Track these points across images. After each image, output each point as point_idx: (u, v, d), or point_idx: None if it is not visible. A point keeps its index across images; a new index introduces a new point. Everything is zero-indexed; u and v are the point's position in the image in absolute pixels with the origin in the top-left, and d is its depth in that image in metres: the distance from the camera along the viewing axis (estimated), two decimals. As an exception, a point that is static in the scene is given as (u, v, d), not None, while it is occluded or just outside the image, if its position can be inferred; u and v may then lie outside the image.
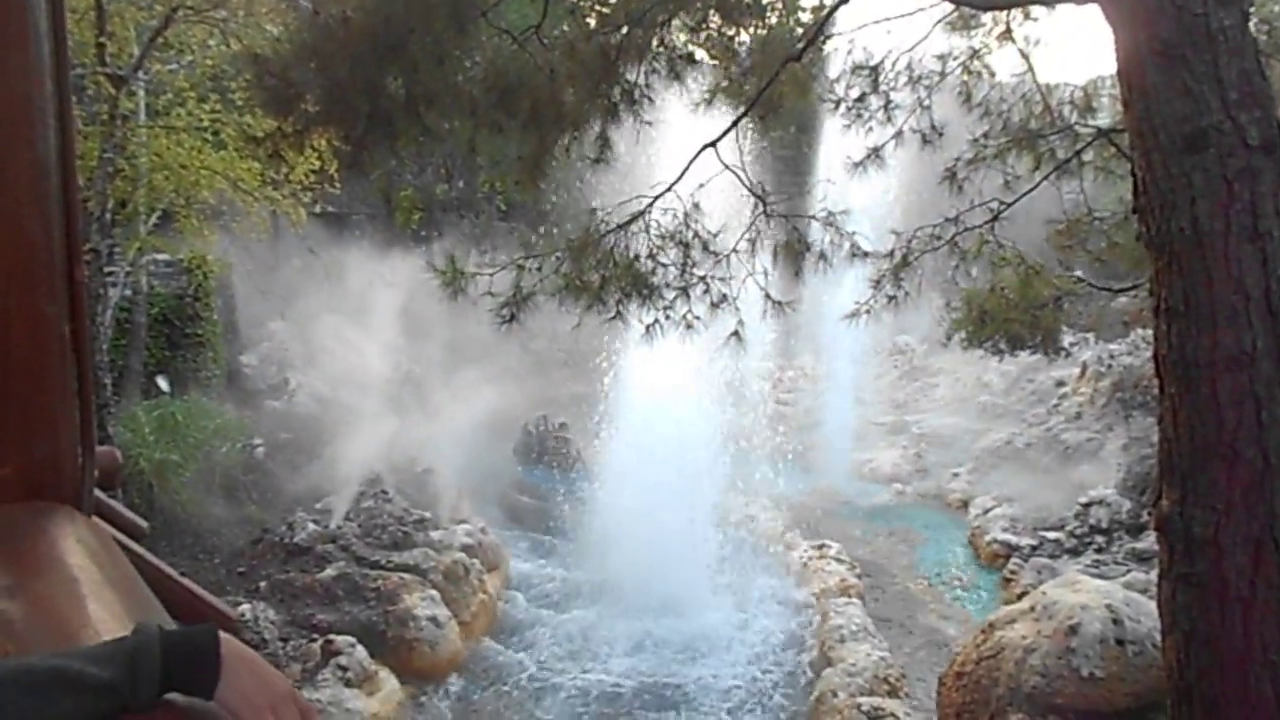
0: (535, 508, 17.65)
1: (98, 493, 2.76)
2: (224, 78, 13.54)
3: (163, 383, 16.57)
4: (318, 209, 18.44)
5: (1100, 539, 15.34)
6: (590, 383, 19.67)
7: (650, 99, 6.13)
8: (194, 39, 13.44)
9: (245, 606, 11.51)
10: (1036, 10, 8.31)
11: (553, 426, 20.49)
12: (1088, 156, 8.01)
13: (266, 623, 11.47)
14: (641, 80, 6.09)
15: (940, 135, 8.28)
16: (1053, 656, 9.59)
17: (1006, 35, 8.58)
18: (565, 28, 6.32)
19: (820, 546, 15.88)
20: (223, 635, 1.02)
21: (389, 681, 11.38)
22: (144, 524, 3.08)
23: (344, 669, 10.95)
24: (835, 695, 10.89)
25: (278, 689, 1.02)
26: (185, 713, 0.99)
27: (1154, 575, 4.57)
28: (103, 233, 12.56)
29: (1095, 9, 4.51)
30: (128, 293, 16.25)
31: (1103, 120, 8.24)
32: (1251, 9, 4.50)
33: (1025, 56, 8.80)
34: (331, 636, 11.36)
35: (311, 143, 6.45)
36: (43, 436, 1.61)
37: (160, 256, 17.33)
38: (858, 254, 7.51)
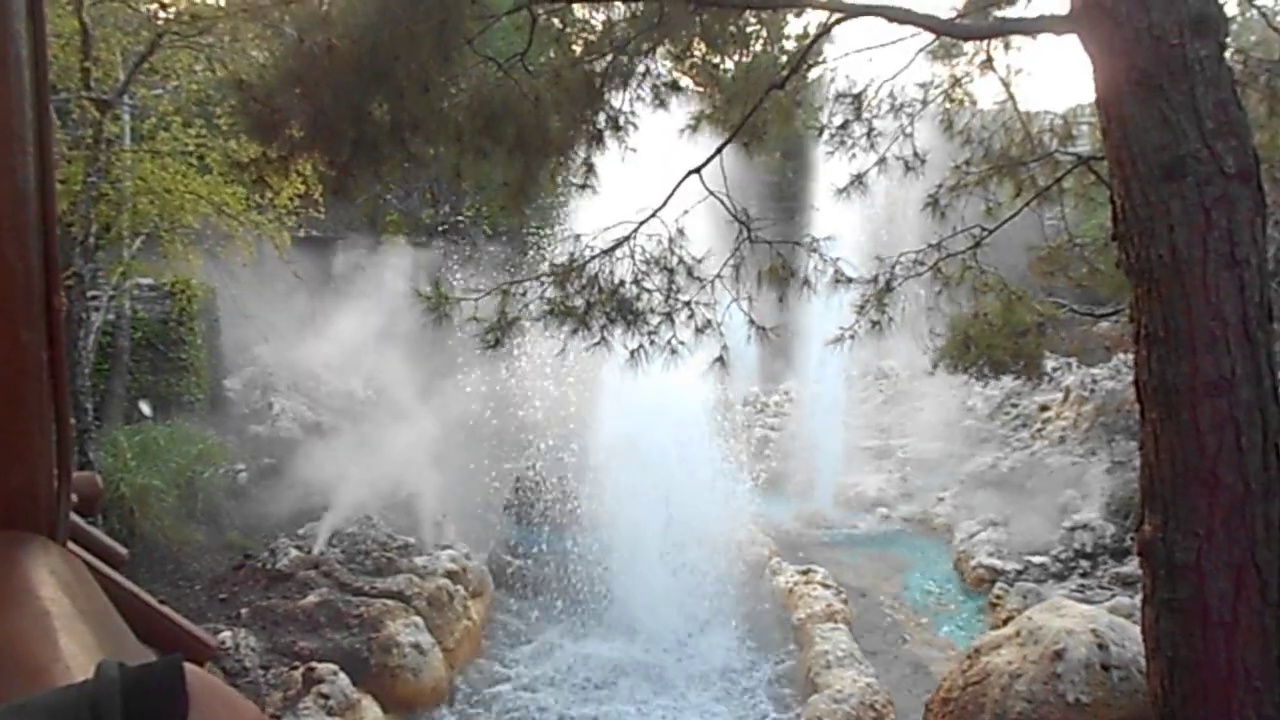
0: (533, 574, 15.95)
1: (76, 519, 2.73)
2: (209, 103, 13.55)
3: (145, 407, 16.45)
4: (302, 233, 18.40)
5: (1085, 563, 15.37)
6: (577, 404, 19.66)
7: (635, 125, 6.17)
8: (179, 64, 13.45)
9: (226, 634, 11.38)
10: (1017, 40, 8.42)
11: (547, 482, 18.39)
12: (1068, 184, 8.09)
13: (247, 650, 11.34)
14: (626, 107, 6.13)
15: (923, 162, 8.35)
16: (1039, 682, 9.57)
17: (988, 64, 8.69)
18: (550, 55, 6.36)
19: (806, 571, 15.83)
20: (189, 666, 1.00)
21: (371, 710, 11.24)
22: (124, 551, 3.05)
23: (326, 697, 10.81)
24: (821, 722, 10.82)
25: (248, 717, 1.00)
26: None
27: (1139, 599, 4.58)
28: (86, 257, 12.49)
29: (1075, 39, 4.58)
30: (111, 317, 16.17)
31: (1082, 148, 8.34)
32: (1227, 40, 4.58)
33: (1006, 85, 8.91)
34: (313, 664, 11.22)
35: (296, 168, 6.46)
36: (18, 465, 1.59)
37: (144, 281, 17.26)
38: (841, 280, 7.55)
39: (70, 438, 1.73)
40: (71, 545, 1.96)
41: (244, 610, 12.46)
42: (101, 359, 15.77)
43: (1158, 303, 4.19)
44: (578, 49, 6.12)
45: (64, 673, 1.10)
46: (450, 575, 14.31)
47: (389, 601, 12.93)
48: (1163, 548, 4.23)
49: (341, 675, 11.15)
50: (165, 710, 0.98)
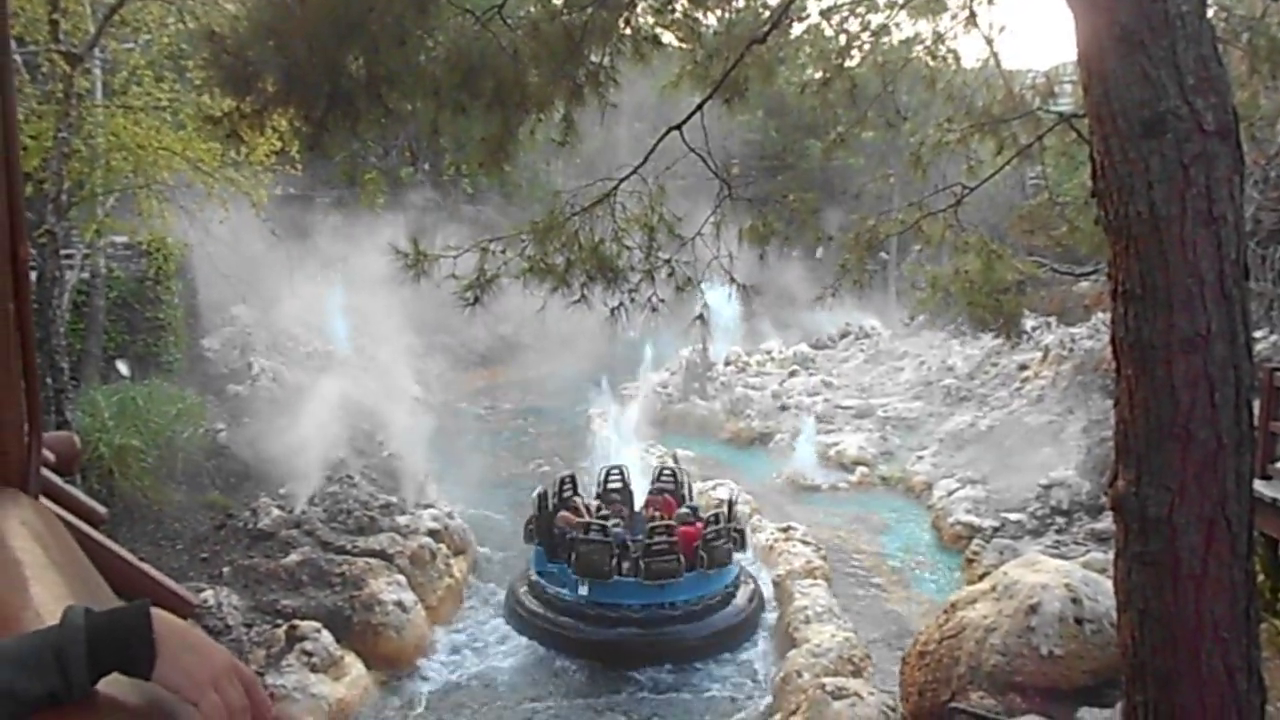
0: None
1: (54, 478, 2.72)
2: (182, 57, 13.29)
3: (122, 367, 16.32)
4: (279, 190, 18.18)
5: (1061, 520, 15.58)
6: (558, 362, 19.67)
7: (615, 81, 6.09)
8: (150, 16, 13.15)
9: (208, 592, 11.41)
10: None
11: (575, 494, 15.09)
12: (1049, 142, 8.07)
13: (230, 608, 11.38)
14: (606, 62, 6.05)
15: (905, 120, 8.32)
16: (1013, 635, 9.74)
17: (971, 20, 8.61)
18: (529, 8, 6.26)
19: (786, 529, 15.99)
20: (156, 612, 1.00)
21: (355, 666, 11.34)
22: (103, 510, 3.04)
23: (309, 654, 10.89)
24: (800, 675, 10.99)
25: (218, 662, 1.00)
26: (121, 698, 0.97)
27: (1112, 555, 4.64)
28: (58, 214, 12.30)
29: (1057, -6, 4.54)
30: (85, 276, 15.97)
31: (1064, 106, 8.32)
32: (1209, -5, 4.55)
33: (989, 41, 8.85)
34: (296, 622, 11.29)
35: (271, 123, 6.36)
36: (-14, 418, 1.58)
37: (119, 239, 17.04)
38: (822, 238, 7.53)
39: (39, 390, 1.71)
40: (48, 502, 1.95)
41: (226, 569, 12.49)
42: (77, 319, 15.60)
43: (1135, 259, 4.19)
44: (557, 1, 6.03)
45: (34, 620, 1.10)
46: (432, 534, 14.37)
47: (371, 560, 13.00)
48: (1136, 502, 4.28)
49: (325, 633, 11.22)
50: (131, 655, 0.97)
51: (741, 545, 14.06)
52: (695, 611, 12.81)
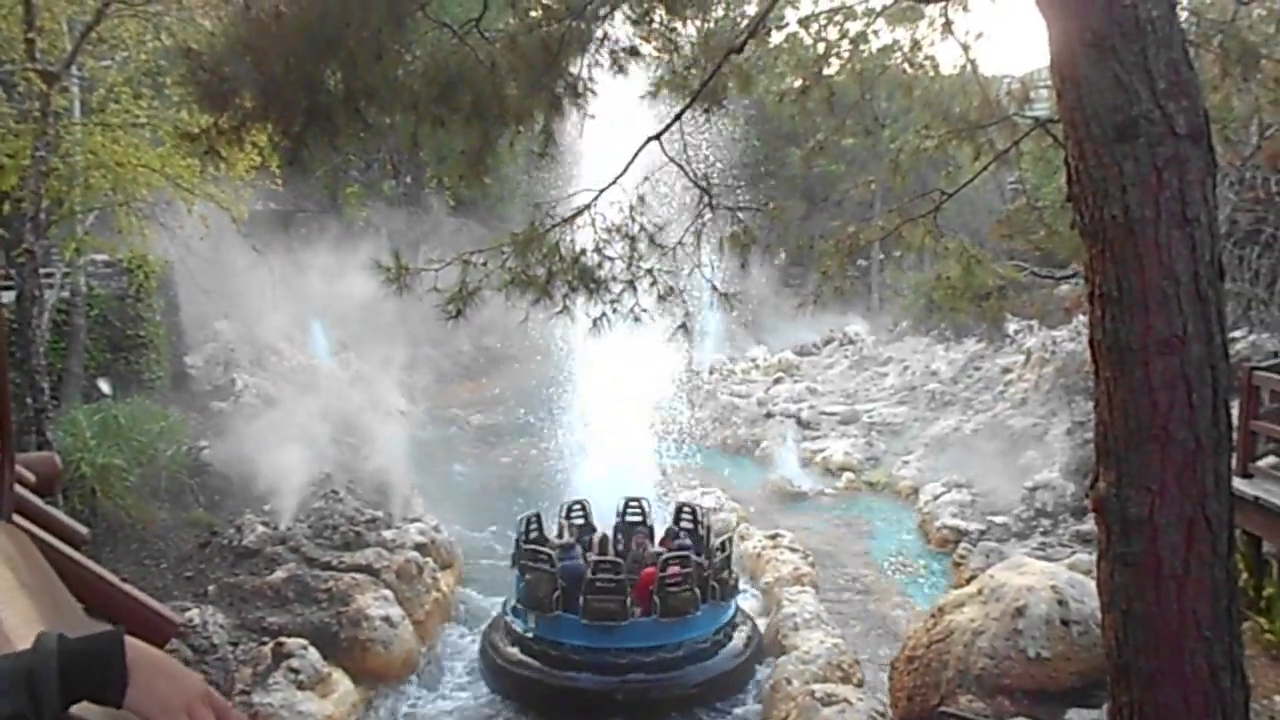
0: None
1: (34, 499, 2.70)
2: (160, 73, 13.25)
3: (104, 385, 16.20)
4: (260, 206, 18.13)
5: (1046, 522, 15.66)
6: (543, 374, 19.64)
7: (594, 92, 6.10)
8: (127, 34, 13.11)
9: (193, 611, 11.31)
10: (978, 4, 8.43)
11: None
12: (1026, 146, 8.14)
13: (215, 627, 11.28)
14: (584, 73, 6.06)
15: (883, 127, 8.37)
16: (1000, 638, 9.77)
17: (948, 28, 8.68)
18: (507, 20, 6.26)
19: (774, 536, 16.00)
20: (132, 641, 0.99)
21: (342, 683, 11.26)
22: (84, 530, 3.02)
23: (296, 671, 10.81)
24: (790, 683, 10.99)
25: (191, 689, 1.00)
26: None
27: (1096, 556, 4.67)
28: (37, 233, 12.22)
29: (1030, 1, 4.58)
30: (65, 294, 15.87)
31: (1041, 110, 8.38)
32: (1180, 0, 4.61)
33: (966, 49, 8.92)
34: (282, 639, 11.21)
35: (250, 138, 6.34)
36: (-44, 441, 1.56)
37: (99, 257, 16.94)
38: (804, 245, 7.55)
39: (9, 413, 1.70)
40: (25, 523, 1.93)
41: (211, 587, 12.40)
42: (57, 337, 15.49)
43: (1111, 262, 4.23)
44: (535, 14, 6.03)
45: (3, 644, 1.09)
46: (419, 547, 14.31)
47: (358, 575, 12.93)
48: (1117, 503, 4.31)
49: (311, 649, 11.15)
50: (103, 682, 0.97)
51: (722, 595, 12.07)
52: (667, 660, 11.39)
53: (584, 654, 11.38)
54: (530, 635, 11.65)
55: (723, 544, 12.65)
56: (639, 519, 13.84)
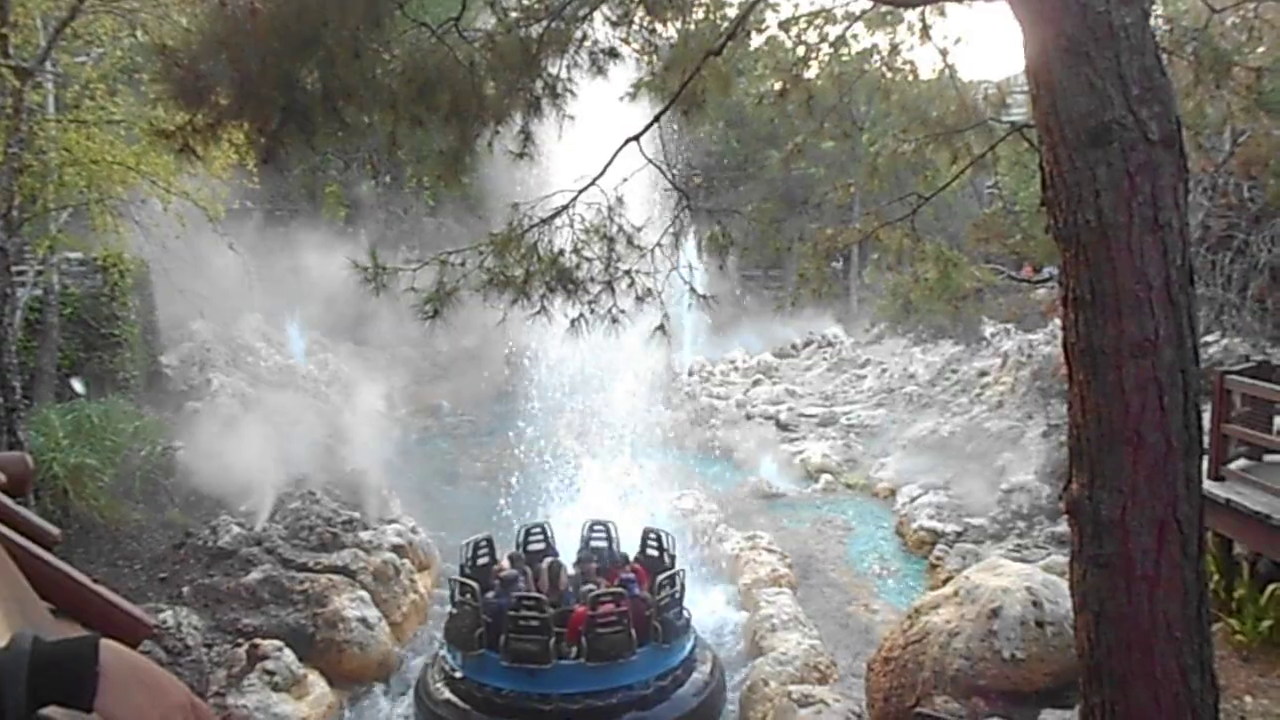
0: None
1: (3, 499, 2.66)
2: (135, 70, 13.12)
3: (77, 385, 16.01)
4: (238, 204, 17.99)
5: (1021, 524, 15.77)
6: (523, 376, 19.58)
7: (572, 93, 6.10)
8: (103, 29, 12.98)
9: (167, 613, 11.21)
10: (955, 9, 8.49)
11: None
12: (1002, 151, 8.20)
13: (190, 629, 11.19)
14: (563, 74, 6.05)
15: (862, 130, 8.41)
16: (975, 639, 9.83)
17: (925, 33, 8.74)
18: (485, 20, 6.25)
19: (752, 538, 16.03)
20: (109, 645, 0.98)
21: (318, 685, 11.20)
22: (55, 531, 2.99)
23: (271, 673, 10.74)
24: (767, 684, 11.02)
25: (171, 698, 0.99)
26: None
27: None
28: (9, 230, 12.08)
29: (1005, 6, 4.62)
30: (38, 292, 15.69)
31: (1017, 115, 8.45)
32: (1152, 6, 4.66)
33: (944, 54, 8.99)
34: (257, 641, 11.14)
35: (226, 136, 6.29)
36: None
37: (73, 255, 16.75)
38: (781, 247, 7.58)
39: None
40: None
41: (185, 588, 12.29)
42: (29, 336, 15.31)
43: (1085, 266, 4.27)
44: (514, 14, 6.02)
45: None
46: (396, 549, 14.25)
47: (334, 576, 12.85)
48: (1089, 505, 4.35)
49: (287, 651, 11.07)
50: (72, 685, 0.96)
51: (664, 636, 10.71)
52: (597, 709, 10.24)
53: (506, 698, 10.38)
54: (457, 674, 10.77)
55: (671, 578, 11.23)
56: (604, 544, 12.68)
